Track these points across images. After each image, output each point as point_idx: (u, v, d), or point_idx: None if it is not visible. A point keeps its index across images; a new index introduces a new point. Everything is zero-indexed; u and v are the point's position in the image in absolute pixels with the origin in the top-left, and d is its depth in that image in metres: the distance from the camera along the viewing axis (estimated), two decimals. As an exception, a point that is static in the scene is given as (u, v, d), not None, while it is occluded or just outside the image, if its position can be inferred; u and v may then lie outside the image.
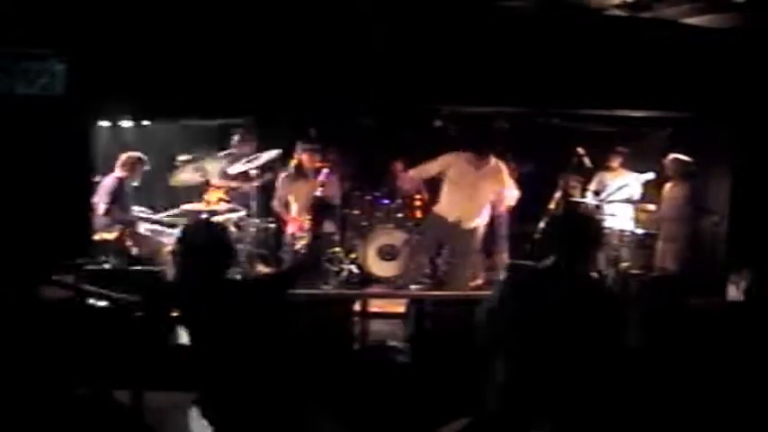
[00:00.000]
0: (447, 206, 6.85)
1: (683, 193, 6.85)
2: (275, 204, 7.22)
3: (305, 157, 6.95)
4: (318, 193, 6.70)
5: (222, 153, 7.36)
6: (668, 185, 6.92)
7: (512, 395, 3.10)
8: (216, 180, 7.18)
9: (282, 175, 7.21)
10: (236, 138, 7.45)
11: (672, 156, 6.92)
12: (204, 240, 3.11)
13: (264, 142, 7.37)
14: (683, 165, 6.85)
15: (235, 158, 7.28)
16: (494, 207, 6.85)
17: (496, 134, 7.23)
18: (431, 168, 6.94)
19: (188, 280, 3.13)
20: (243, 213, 7.08)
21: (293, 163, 7.15)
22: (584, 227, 3.21)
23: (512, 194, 6.77)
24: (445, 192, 6.90)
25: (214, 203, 7.04)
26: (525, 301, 3.07)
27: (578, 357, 2.98)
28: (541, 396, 3.06)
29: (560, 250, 3.11)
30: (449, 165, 6.86)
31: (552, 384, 3.01)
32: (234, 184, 7.18)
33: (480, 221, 6.81)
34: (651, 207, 7.12)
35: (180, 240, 3.20)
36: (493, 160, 6.81)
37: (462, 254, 6.86)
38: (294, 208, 7.00)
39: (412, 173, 7.05)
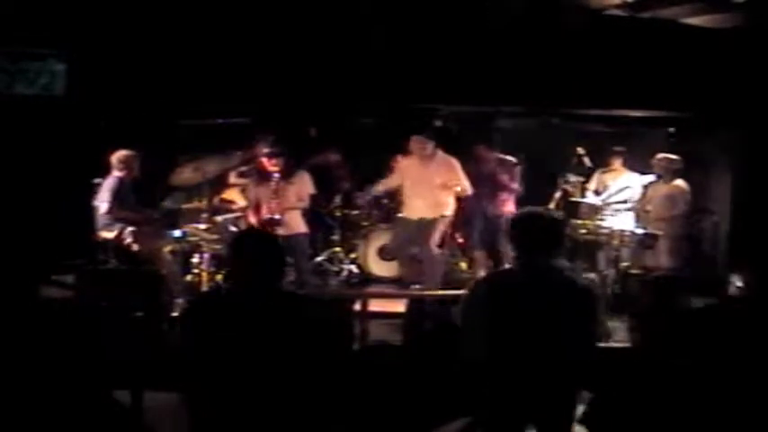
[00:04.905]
0: (409, 207, 6.93)
1: (674, 191, 6.86)
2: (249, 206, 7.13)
3: (264, 161, 6.91)
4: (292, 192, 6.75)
5: (236, 153, 7.34)
6: (655, 184, 6.95)
7: (495, 394, 3.16)
8: (233, 179, 7.19)
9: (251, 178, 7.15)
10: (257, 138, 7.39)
11: (660, 155, 6.96)
12: (261, 249, 3.03)
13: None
14: (671, 162, 6.89)
15: (241, 158, 7.28)
16: (458, 198, 6.87)
17: (497, 134, 7.23)
18: (391, 181, 7.07)
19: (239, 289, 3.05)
20: None
21: (255, 166, 7.10)
22: (534, 226, 3.26)
23: (464, 185, 6.78)
24: (405, 194, 6.97)
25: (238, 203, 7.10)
26: (495, 298, 3.19)
27: (533, 354, 3.10)
28: (524, 395, 3.12)
29: (517, 249, 3.28)
30: (404, 169, 6.92)
31: (529, 381, 3.10)
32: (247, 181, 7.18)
33: (444, 212, 6.82)
34: (648, 207, 7.11)
35: (234, 248, 3.10)
36: (440, 154, 6.81)
37: (428, 246, 6.85)
38: (264, 209, 6.93)
39: (377, 188, 7.17)
